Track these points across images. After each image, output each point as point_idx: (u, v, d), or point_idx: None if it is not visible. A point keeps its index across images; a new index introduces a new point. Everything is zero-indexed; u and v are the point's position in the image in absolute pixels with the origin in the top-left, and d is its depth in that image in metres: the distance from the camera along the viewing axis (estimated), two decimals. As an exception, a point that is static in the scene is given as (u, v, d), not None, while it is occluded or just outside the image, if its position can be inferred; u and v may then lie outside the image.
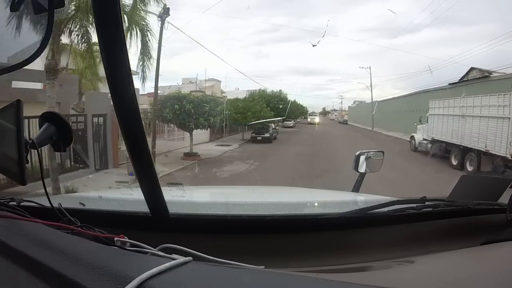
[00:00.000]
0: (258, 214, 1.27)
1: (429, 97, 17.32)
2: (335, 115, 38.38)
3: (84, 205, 1.16)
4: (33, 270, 0.65)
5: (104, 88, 11.47)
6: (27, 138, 0.81)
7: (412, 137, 15.99)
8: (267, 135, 18.75)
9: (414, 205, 1.15)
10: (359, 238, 1.10)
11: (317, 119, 32.74)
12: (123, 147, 10.05)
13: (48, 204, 0.95)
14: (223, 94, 24.17)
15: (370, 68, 25.51)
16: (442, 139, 13.09)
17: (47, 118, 0.91)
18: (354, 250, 1.07)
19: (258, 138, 18.32)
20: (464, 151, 11.66)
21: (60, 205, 0.96)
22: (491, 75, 14.80)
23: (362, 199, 1.82)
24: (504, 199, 1.20)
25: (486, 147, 10.53)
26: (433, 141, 13.83)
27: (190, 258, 0.71)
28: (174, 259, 0.68)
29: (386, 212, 1.12)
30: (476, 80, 15.37)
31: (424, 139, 14.59)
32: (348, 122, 33.33)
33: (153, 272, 0.61)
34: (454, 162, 12.21)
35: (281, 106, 22.40)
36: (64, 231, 0.84)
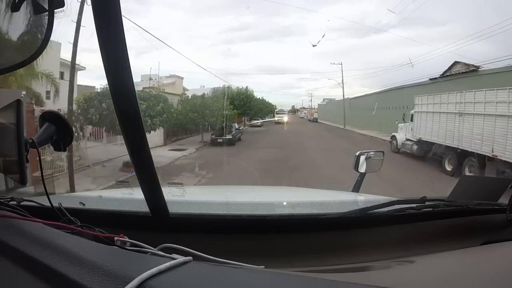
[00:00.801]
0: (258, 214, 1.27)
1: (406, 93, 16.11)
2: (305, 113, 37.28)
3: (84, 204, 1.16)
4: (33, 270, 0.65)
5: (37, 85, 10.26)
6: (27, 138, 0.81)
7: (394, 137, 14.32)
8: (228, 136, 16.27)
9: (414, 205, 1.15)
10: (359, 238, 1.10)
11: (285, 118, 29.60)
12: (48, 157, 8.13)
13: (48, 204, 0.95)
14: (186, 92, 21.97)
15: (341, 64, 23.96)
16: (432, 140, 11.45)
17: (47, 118, 0.91)
18: (354, 250, 1.07)
19: (218, 140, 15.94)
20: (462, 155, 9.90)
21: (60, 204, 0.96)
22: (480, 69, 13.03)
23: (362, 199, 1.82)
24: (504, 199, 1.20)
25: (492, 151, 8.75)
26: (420, 142, 12.18)
27: (190, 258, 0.71)
28: (174, 259, 0.68)
29: (386, 212, 1.12)
30: (462, 75, 13.68)
31: (408, 140, 12.94)
32: (318, 120, 31.98)
33: (153, 272, 0.61)
34: (448, 168, 10.45)
35: (247, 104, 21.06)
36: (64, 231, 0.84)
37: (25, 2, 0.81)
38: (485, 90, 9.45)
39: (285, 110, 32.29)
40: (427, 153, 11.77)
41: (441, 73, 14.72)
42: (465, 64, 13.84)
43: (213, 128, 16.86)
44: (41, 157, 0.93)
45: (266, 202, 1.68)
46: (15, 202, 1.01)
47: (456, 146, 10.15)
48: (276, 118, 29.08)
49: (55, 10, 0.81)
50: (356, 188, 1.90)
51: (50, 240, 0.74)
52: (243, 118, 24.63)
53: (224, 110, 16.16)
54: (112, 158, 10.73)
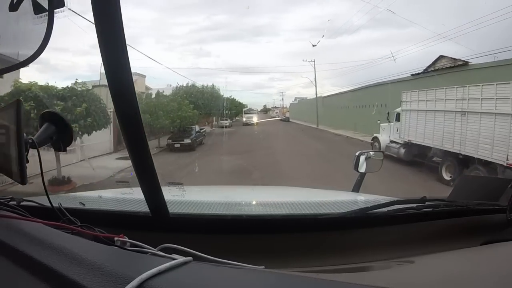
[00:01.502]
0: (258, 214, 1.27)
1: (384, 90, 14.85)
2: (276, 112, 36.24)
3: (84, 204, 1.16)
4: (33, 270, 0.65)
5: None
6: (27, 138, 0.81)
7: (376, 139, 12.55)
8: (187, 141, 14.21)
9: (414, 205, 1.15)
10: (359, 238, 1.10)
11: (255, 118, 26.20)
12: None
13: (48, 204, 0.95)
14: (149, 91, 19.79)
15: (314, 60, 22.74)
16: (425, 143, 9.85)
17: (47, 118, 0.91)
18: (354, 250, 1.07)
19: (175, 145, 13.90)
20: (465, 162, 8.38)
21: (60, 204, 0.96)
22: (470, 64, 11.71)
23: (362, 199, 1.82)
24: (504, 199, 1.20)
25: (507, 159, 7.14)
26: (408, 145, 10.64)
27: (190, 258, 0.71)
28: (174, 259, 0.68)
29: (386, 212, 1.12)
30: (450, 70, 12.35)
31: (393, 142, 11.32)
32: (290, 120, 30.53)
33: (153, 272, 0.61)
34: (446, 176, 8.85)
35: (212, 104, 19.39)
36: (64, 231, 0.84)
37: (25, 2, 0.81)
38: (496, 84, 7.79)
39: (254, 109, 28.58)
40: (416, 158, 10.33)
41: (413, 71, 13.89)
42: (452, 59, 12.73)
43: (172, 131, 14.91)
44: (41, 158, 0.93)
45: (266, 202, 1.68)
46: (15, 202, 1.01)
47: (458, 151, 8.53)
48: (244, 119, 26.34)
49: (55, 10, 0.81)
50: (356, 188, 1.90)
51: (50, 240, 0.74)
52: (211, 118, 23.61)
53: (181, 111, 14.51)
54: (48, 171, 7.76)
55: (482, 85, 8.31)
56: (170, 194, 1.31)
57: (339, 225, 1.12)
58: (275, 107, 37.79)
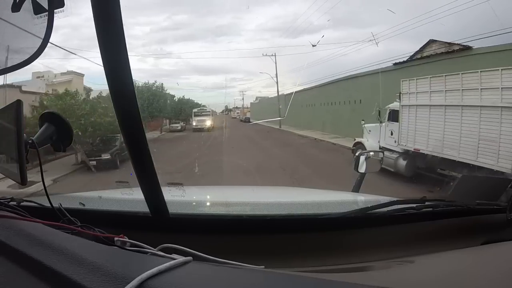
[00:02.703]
0: (258, 214, 1.27)
1: (358, 84, 13.08)
2: (237, 113, 34.65)
3: (84, 205, 1.16)
4: (33, 270, 0.65)
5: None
6: (27, 138, 0.81)
7: (359, 145, 9.45)
8: (106, 156, 10.45)
9: (414, 205, 1.15)
10: (359, 238, 1.10)
11: (208, 122, 21.05)
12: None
13: (48, 204, 0.95)
14: (90, 92, 15.64)
15: (275, 55, 20.46)
16: (445, 155, 6.70)
17: (47, 118, 0.91)
18: (354, 250, 1.06)
19: (91, 162, 10.23)
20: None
21: (60, 205, 0.96)
22: (474, 48, 8.89)
23: (362, 199, 1.82)
24: (504, 199, 1.20)
25: None
26: (410, 156, 7.74)
27: (190, 258, 0.71)
28: (174, 259, 0.68)
29: (386, 212, 1.12)
30: (446, 55, 9.53)
31: (384, 148, 8.16)
32: (251, 120, 27.46)
33: (153, 272, 0.61)
34: None
35: (154, 104, 16.22)
36: (64, 231, 0.84)
37: (25, 2, 0.81)
38: None
39: (207, 110, 22.58)
40: (424, 174, 7.33)
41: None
42: (446, 43, 10.19)
43: (91, 142, 11.47)
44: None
45: (266, 202, 1.68)
46: (15, 203, 1.01)
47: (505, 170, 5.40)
48: (194, 123, 20.85)
49: (55, 10, 0.81)
50: (356, 188, 1.90)
51: (50, 240, 0.74)
52: (163, 122, 20.70)
53: (96, 116, 10.93)
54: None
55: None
56: (170, 194, 1.31)
57: (339, 225, 1.12)
58: (237, 107, 36.31)
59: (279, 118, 20.12)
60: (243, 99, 33.87)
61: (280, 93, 22.26)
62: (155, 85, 17.66)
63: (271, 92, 25.55)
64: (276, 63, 21.61)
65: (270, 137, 17.13)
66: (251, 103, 33.62)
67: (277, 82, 22.01)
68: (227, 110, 37.51)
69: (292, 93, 19.83)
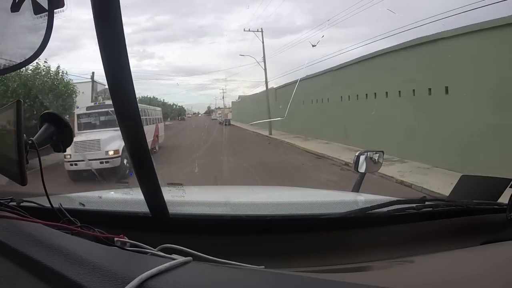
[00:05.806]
0: (258, 214, 1.27)
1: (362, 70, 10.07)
2: (219, 114, 30.81)
3: (84, 205, 1.16)
4: (33, 271, 0.65)
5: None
6: (27, 139, 0.81)
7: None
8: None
9: (414, 205, 1.15)
10: (359, 238, 1.10)
11: (115, 143, 8.99)
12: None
13: (48, 205, 0.95)
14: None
15: (262, 30, 17.46)
16: None
17: (47, 118, 0.91)
18: (354, 250, 1.07)
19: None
20: None
21: (60, 205, 0.96)
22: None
23: (362, 199, 1.82)
24: (504, 199, 1.20)
25: None
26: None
27: (190, 258, 0.71)
28: (174, 259, 0.68)
29: (386, 212, 1.12)
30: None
31: None
32: (232, 122, 23.59)
33: (153, 272, 0.61)
34: None
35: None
36: (64, 231, 0.84)
37: (25, 2, 0.81)
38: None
39: (158, 110, 15.77)
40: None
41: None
42: None
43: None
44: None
45: (266, 202, 1.68)
46: (15, 203, 1.01)
47: None
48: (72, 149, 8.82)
49: (55, 10, 0.81)
50: (356, 188, 1.90)
51: (50, 240, 0.74)
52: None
53: None
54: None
55: None
56: (170, 194, 1.31)
57: (339, 225, 1.12)
58: (218, 108, 33.84)
59: (269, 120, 14.74)
60: (223, 97, 32.89)
61: (268, 87, 17.19)
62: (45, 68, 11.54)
63: (256, 92, 21.64)
64: (263, 41, 17.87)
65: (256, 156, 9.91)
66: (232, 102, 30.26)
67: (265, 71, 16.88)
68: (209, 111, 36.42)
69: (286, 84, 14.46)
